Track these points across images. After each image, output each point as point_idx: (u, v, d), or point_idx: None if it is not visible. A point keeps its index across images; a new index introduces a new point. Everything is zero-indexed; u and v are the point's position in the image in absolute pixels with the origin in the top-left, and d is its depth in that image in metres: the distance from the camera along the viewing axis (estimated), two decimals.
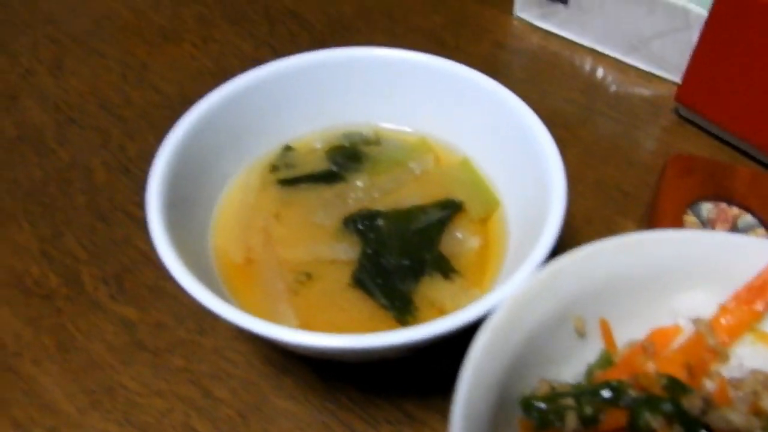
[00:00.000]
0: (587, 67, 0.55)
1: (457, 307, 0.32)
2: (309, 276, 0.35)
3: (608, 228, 0.43)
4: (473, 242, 0.36)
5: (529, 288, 0.27)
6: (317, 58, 0.40)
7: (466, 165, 0.40)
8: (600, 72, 0.54)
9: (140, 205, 0.44)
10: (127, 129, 0.50)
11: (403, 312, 0.33)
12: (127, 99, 0.52)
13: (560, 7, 0.56)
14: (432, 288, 0.34)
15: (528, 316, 0.26)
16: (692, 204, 0.37)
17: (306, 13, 0.60)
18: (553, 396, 0.26)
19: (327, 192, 0.38)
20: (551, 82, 0.54)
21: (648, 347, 0.27)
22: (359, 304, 0.34)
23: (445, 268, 0.35)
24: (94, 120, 0.50)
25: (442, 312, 0.33)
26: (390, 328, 0.32)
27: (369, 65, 0.40)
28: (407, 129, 0.42)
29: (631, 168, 0.47)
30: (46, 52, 0.55)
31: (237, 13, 0.60)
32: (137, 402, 0.35)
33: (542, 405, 0.25)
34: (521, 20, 0.58)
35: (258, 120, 0.39)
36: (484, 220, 0.37)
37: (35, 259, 0.41)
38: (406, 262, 0.35)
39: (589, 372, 0.28)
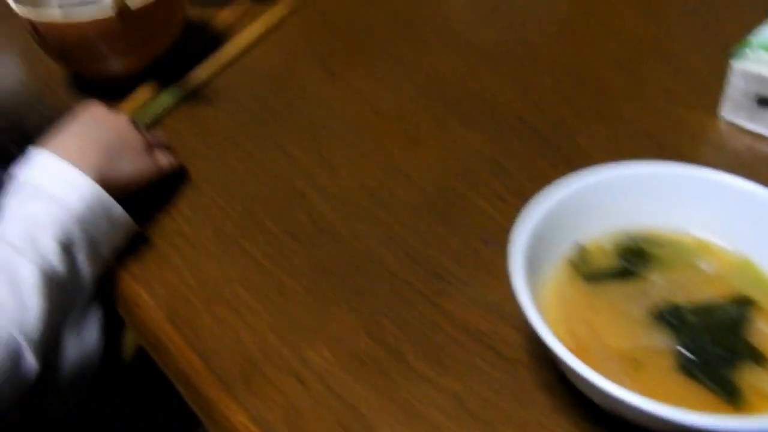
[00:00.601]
0: None
1: None
2: (637, 361, 0.41)
3: None
4: None
5: None
6: (610, 173, 0.47)
7: (747, 264, 0.45)
8: None
9: (435, 290, 0.51)
10: (401, 221, 0.57)
11: (734, 398, 0.38)
12: (392, 193, 0.60)
13: None
14: (753, 376, 0.39)
15: None
16: None
17: (528, 115, 0.67)
18: None
19: (628, 287, 0.44)
20: None
21: None
22: (689, 388, 0.39)
23: (759, 359, 0.40)
24: (370, 213, 0.58)
25: None
26: (725, 413, 0.38)
27: (651, 177, 0.47)
28: (683, 232, 0.48)
29: None
30: (317, 153, 0.64)
31: (467, 116, 0.68)
32: None
33: None
34: (729, 123, 0.64)
35: (561, 222, 0.46)
36: None
37: (362, 337, 0.48)
38: (721, 352, 0.40)
39: None
